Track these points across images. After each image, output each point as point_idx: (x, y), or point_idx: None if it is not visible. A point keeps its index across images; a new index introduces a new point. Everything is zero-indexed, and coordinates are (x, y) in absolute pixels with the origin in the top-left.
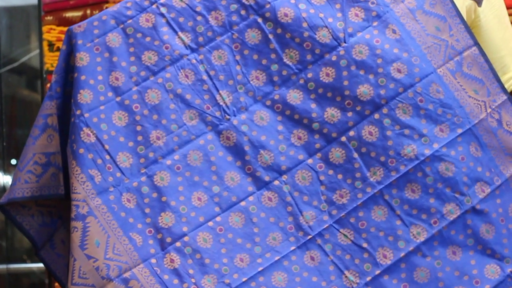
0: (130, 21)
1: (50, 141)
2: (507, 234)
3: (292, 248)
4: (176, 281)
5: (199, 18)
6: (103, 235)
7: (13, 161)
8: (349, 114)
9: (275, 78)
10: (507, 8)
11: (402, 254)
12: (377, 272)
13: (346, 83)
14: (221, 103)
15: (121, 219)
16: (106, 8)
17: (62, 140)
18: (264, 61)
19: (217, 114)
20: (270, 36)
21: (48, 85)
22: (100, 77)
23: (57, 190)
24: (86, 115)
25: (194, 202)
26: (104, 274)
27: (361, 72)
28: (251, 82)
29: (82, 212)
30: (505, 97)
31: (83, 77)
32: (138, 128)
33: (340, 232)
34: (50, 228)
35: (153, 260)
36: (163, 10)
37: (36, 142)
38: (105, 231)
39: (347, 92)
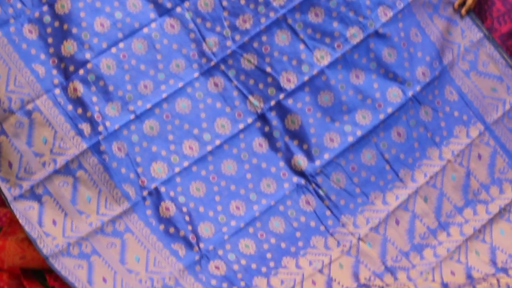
0: None
1: None
2: (409, 58)
3: (196, 75)
4: (79, 110)
5: None
6: (4, 68)
7: None
8: None
9: None
10: None
11: (306, 78)
12: (281, 96)
13: None
14: None
15: (22, 51)
16: None
17: None
18: None
19: None
20: None
21: None
22: None
23: None
24: None
25: (96, 28)
26: (6, 106)
27: None
28: None
29: None
30: None
31: None
32: None
33: (244, 57)
34: None
35: (57, 91)
36: None
37: None
38: (6, 64)
39: None
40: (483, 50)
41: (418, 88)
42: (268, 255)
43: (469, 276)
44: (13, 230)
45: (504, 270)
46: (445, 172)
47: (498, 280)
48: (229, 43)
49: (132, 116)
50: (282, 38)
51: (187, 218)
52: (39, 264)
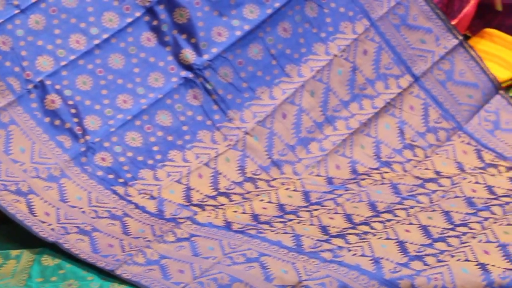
0: None
1: None
2: None
3: None
4: None
5: None
6: None
7: None
8: None
9: None
10: None
11: None
12: None
13: None
14: None
15: None
16: None
17: None
18: None
19: None
20: None
21: None
22: None
23: None
24: None
25: None
26: None
27: None
28: None
29: None
30: None
31: None
32: None
33: None
34: None
35: None
36: None
37: None
38: None
39: None
40: None
41: None
42: (155, 148)
43: (354, 171)
44: None
45: (388, 164)
46: (332, 66)
47: (381, 175)
48: None
49: (16, 11)
50: None
51: (73, 111)
52: None
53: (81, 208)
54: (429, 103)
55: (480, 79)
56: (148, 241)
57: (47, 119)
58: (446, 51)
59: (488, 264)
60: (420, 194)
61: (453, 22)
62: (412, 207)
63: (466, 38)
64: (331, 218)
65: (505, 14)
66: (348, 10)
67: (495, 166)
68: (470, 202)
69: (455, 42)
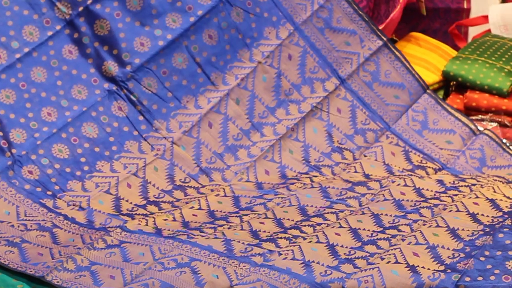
0: None
1: None
2: None
3: None
4: None
5: None
6: None
7: None
8: None
9: None
10: None
11: None
12: (89, 1)
13: None
14: None
15: None
16: None
17: None
18: None
19: None
20: None
21: None
22: None
23: None
24: None
25: None
26: None
27: None
28: None
29: None
30: None
31: None
32: None
33: None
34: None
35: None
36: None
37: None
38: None
39: None
40: None
41: None
42: (82, 159)
43: (283, 175)
44: None
45: (317, 168)
46: (256, 73)
47: (310, 179)
48: None
49: None
50: None
51: None
52: None
53: (10, 223)
54: (357, 104)
55: (406, 79)
56: (78, 248)
57: None
58: (371, 52)
59: (417, 266)
60: (349, 197)
61: (380, 27)
62: (342, 211)
63: (393, 42)
64: (262, 223)
65: (431, 18)
66: (271, 15)
67: (423, 168)
68: (399, 204)
69: (379, 43)
